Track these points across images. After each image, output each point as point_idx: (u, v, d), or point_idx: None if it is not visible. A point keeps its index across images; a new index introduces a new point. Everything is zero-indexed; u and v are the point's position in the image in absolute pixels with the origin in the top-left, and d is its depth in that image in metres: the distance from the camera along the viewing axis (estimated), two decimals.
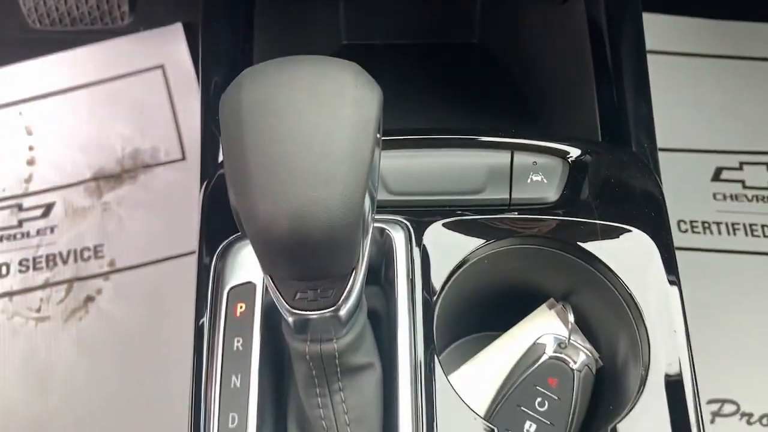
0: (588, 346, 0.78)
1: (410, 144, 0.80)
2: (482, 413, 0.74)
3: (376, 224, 0.74)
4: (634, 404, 0.68)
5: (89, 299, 1.38)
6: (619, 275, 0.74)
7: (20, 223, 1.45)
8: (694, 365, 0.70)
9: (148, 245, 1.42)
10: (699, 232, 1.44)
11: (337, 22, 1.11)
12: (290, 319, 0.57)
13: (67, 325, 1.36)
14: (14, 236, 1.44)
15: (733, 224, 1.45)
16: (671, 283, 0.74)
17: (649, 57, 0.95)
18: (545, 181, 0.79)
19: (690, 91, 1.57)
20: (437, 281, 0.73)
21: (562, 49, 1.02)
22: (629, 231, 0.76)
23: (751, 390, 1.32)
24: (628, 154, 0.85)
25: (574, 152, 0.81)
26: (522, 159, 0.79)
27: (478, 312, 0.82)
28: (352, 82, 0.49)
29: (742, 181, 1.49)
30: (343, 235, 0.49)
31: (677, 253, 0.76)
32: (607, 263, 0.74)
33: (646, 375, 0.69)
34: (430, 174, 0.79)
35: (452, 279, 0.74)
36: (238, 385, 0.66)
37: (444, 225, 0.76)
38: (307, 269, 0.52)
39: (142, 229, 1.44)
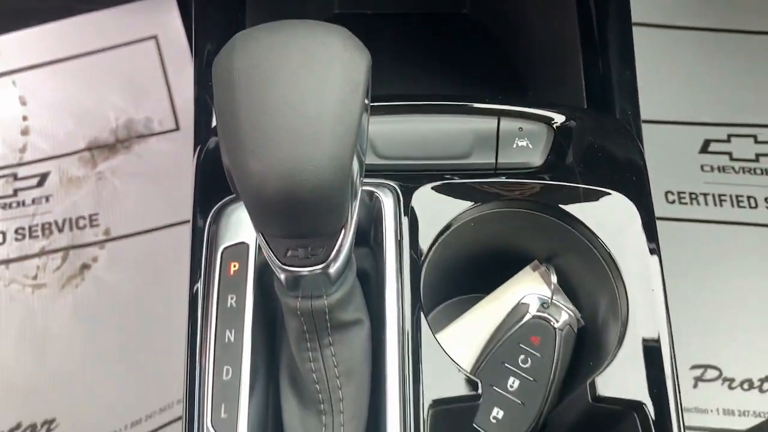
0: (570, 306, 0.80)
1: (399, 109, 0.81)
2: (468, 369, 0.76)
3: (366, 188, 0.75)
4: (612, 359, 0.70)
5: (85, 267, 1.40)
6: (599, 236, 0.75)
7: (15, 192, 1.46)
8: (670, 321, 0.71)
9: (142, 214, 1.44)
10: (686, 203, 1.45)
11: None
12: (282, 276, 0.59)
13: (63, 292, 1.38)
14: (10, 205, 1.45)
15: (720, 195, 1.46)
16: (650, 243, 0.75)
17: (638, 30, 0.96)
18: (530, 146, 0.81)
19: (679, 64, 1.58)
20: (424, 243, 0.75)
21: (549, 20, 1.03)
22: (610, 194, 0.78)
23: (733, 356, 1.34)
24: (612, 120, 0.87)
25: (559, 118, 0.82)
26: (508, 125, 0.81)
27: (464, 274, 0.84)
28: (341, 44, 0.50)
29: (730, 153, 1.50)
30: (332, 194, 0.51)
31: (665, 223, 0.77)
32: (588, 225, 0.76)
33: (624, 331, 0.71)
34: (419, 139, 0.80)
35: (439, 241, 0.76)
36: (232, 339, 0.67)
37: (432, 188, 0.77)
38: (297, 227, 0.53)
39: (137, 199, 1.45)
